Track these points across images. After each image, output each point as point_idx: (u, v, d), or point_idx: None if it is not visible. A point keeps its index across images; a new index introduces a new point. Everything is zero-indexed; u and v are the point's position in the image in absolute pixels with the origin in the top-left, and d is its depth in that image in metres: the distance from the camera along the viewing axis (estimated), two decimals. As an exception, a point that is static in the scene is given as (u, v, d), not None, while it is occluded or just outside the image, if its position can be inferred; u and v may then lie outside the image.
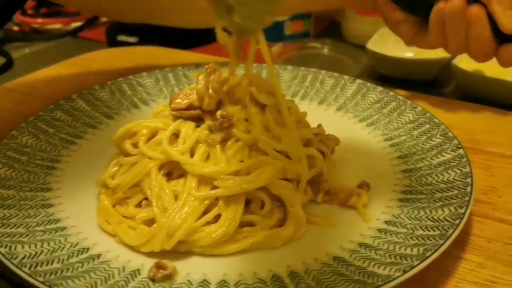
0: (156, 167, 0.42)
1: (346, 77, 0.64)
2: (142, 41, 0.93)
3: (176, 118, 0.45)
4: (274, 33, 0.94)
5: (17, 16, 1.07)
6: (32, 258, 0.36)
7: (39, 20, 1.07)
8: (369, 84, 0.61)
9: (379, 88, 0.60)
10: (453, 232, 0.36)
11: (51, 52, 0.98)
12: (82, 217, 0.43)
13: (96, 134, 0.56)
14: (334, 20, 1.10)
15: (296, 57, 0.90)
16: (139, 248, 0.39)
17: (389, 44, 0.84)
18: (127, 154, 0.44)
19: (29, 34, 1.05)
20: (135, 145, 0.44)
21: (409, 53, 0.83)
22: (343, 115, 0.59)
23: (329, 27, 1.08)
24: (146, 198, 0.42)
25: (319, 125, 0.49)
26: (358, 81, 0.62)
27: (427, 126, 0.52)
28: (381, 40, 0.83)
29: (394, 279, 0.33)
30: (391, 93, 0.59)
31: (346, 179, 0.47)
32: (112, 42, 0.96)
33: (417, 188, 0.44)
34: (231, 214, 0.39)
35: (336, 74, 0.64)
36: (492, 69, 0.70)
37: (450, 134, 0.49)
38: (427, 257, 0.34)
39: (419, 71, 0.77)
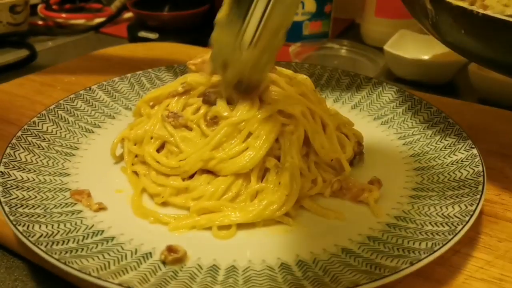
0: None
1: (361, 76, 0.64)
2: (162, 38, 0.94)
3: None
4: (293, 33, 0.95)
5: (42, 11, 1.09)
6: (49, 237, 0.37)
7: (63, 15, 1.09)
8: (384, 84, 0.61)
9: (395, 88, 0.60)
10: (462, 228, 0.36)
11: (74, 46, 1.00)
12: (98, 201, 0.44)
13: (114, 124, 0.57)
14: (354, 22, 1.11)
15: (314, 57, 0.90)
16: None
17: (407, 46, 0.84)
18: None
19: (53, 28, 1.07)
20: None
21: (426, 55, 0.83)
22: (357, 113, 0.60)
23: (348, 29, 1.08)
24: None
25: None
26: (374, 80, 0.62)
27: (441, 126, 0.52)
28: (399, 42, 0.83)
29: (400, 270, 0.33)
30: (407, 92, 0.59)
31: (358, 175, 0.47)
32: (133, 38, 0.98)
33: (429, 186, 0.45)
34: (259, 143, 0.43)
35: (352, 72, 0.65)
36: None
37: (464, 134, 0.49)
38: (434, 251, 0.34)
39: (435, 73, 0.76)
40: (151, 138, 0.47)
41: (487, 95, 0.70)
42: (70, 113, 0.56)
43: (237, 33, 0.41)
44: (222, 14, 0.41)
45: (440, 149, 0.49)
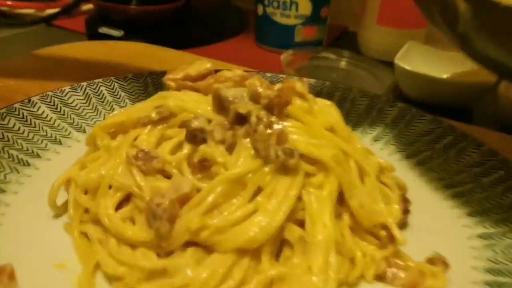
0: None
1: (383, 98, 0.51)
2: (128, 36, 0.79)
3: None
4: (283, 39, 0.82)
5: (-17, -4, 0.91)
6: None
7: (9, 2, 0.92)
8: (414, 110, 0.49)
9: (428, 116, 0.48)
10: None
11: (20, 40, 0.84)
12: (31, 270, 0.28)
13: (61, 154, 0.42)
14: (347, 30, 0.99)
15: (308, 68, 0.77)
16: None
17: (418, 61, 0.72)
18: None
19: (-4, 17, 0.90)
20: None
21: (441, 73, 0.71)
22: (382, 147, 0.46)
23: (341, 37, 0.96)
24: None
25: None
26: (400, 104, 0.50)
27: (501, 172, 0.40)
28: (408, 56, 0.71)
29: None
30: (445, 123, 0.46)
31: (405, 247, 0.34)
32: (93, 35, 0.82)
33: (507, 266, 0.32)
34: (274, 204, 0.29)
35: (370, 92, 0.52)
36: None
37: (537, 188, 0.37)
38: None
39: (458, 95, 0.65)
40: (110, 187, 0.32)
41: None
42: (-2, 136, 0.40)
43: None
44: None
45: (508, 207, 0.37)
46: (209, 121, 0.32)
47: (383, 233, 0.32)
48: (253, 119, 0.30)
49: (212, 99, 0.33)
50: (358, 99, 0.51)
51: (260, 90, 0.31)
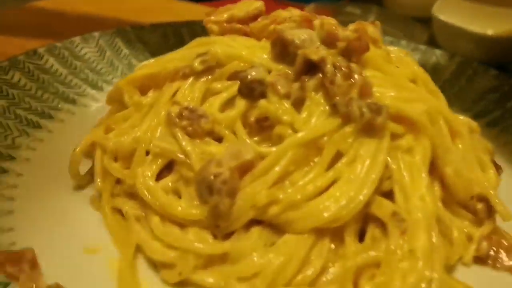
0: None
1: (438, 51, 0.45)
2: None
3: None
4: (304, -8, 0.74)
5: None
6: None
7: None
8: (475, 64, 0.43)
9: (493, 71, 0.42)
10: None
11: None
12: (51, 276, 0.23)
13: (76, 114, 0.36)
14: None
15: (333, 23, 0.70)
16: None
17: (454, 15, 0.65)
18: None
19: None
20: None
21: (479, 27, 0.64)
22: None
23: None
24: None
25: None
26: (458, 58, 0.44)
27: None
28: (444, 10, 0.64)
29: None
30: (514, 79, 0.41)
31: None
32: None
33: None
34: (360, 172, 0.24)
35: (421, 46, 0.46)
36: None
37: None
38: None
39: (501, 52, 0.58)
40: (148, 153, 0.26)
41: None
42: (2, 93, 0.34)
43: None
44: None
45: None
46: (268, 71, 0.26)
47: (479, 206, 0.26)
48: (328, 67, 0.24)
49: (271, 44, 0.27)
50: (410, 53, 0.45)
51: (338, 31, 0.25)
